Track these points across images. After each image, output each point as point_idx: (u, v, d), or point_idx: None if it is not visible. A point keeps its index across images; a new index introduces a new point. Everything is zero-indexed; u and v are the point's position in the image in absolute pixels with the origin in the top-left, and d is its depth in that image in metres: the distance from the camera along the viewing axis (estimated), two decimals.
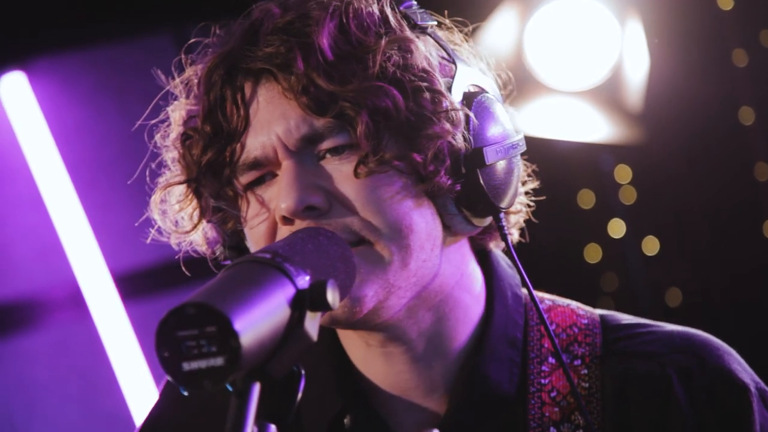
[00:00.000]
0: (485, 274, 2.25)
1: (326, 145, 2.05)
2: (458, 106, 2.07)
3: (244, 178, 2.11)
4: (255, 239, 2.12)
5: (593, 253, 5.83)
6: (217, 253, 2.25)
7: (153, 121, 2.25)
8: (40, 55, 5.30)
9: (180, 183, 2.18)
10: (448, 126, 2.04)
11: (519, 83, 5.29)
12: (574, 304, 2.31)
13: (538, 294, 2.27)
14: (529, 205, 2.28)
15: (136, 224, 2.27)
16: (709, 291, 5.75)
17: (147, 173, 2.31)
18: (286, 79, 2.04)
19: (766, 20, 5.55)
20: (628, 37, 5.18)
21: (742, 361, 2.22)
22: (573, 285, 5.85)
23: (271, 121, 2.06)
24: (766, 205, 5.64)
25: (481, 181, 2.06)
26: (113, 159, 5.35)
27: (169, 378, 1.70)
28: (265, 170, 2.10)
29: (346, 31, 2.05)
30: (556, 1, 5.16)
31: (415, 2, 2.16)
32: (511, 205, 2.16)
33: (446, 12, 2.24)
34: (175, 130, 2.18)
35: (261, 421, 1.71)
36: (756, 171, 5.64)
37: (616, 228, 5.74)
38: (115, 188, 5.37)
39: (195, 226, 2.20)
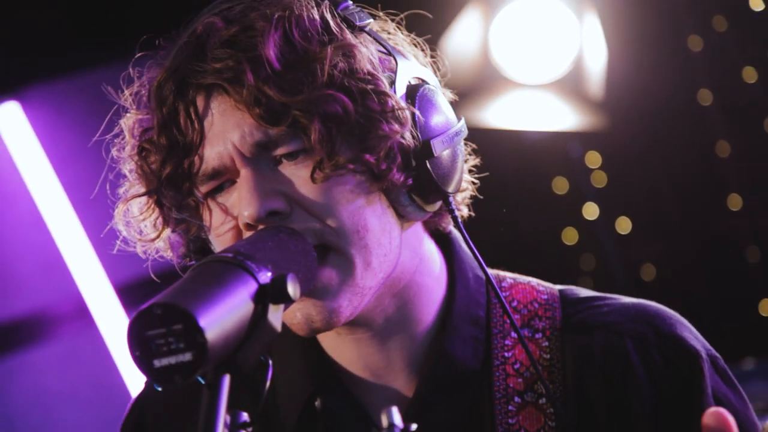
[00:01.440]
0: (446, 257, 2.26)
1: (281, 151, 2.04)
2: (404, 104, 2.06)
3: (204, 188, 2.08)
4: (222, 244, 2.09)
5: (570, 236, 5.87)
6: (183, 258, 2.23)
7: (108, 136, 2.23)
8: (31, 84, 5.30)
9: (141, 195, 2.15)
10: (396, 125, 2.03)
11: (487, 80, 5.44)
12: (535, 281, 2.31)
13: (501, 273, 2.29)
14: (473, 182, 2.26)
15: (102, 235, 2.26)
16: (681, 263, 5.79)
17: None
18: (237, 92, 2.01)
19: (718, 6, 5.59)
20: (586, 31, 5.23)
21: (693, 329, 2.23)
22: (553, 267, 5.90)
23: (226, 131, 2.03)
24: (729, 180, 5.69)
25: (431, 172, 2.06)
26: (107, 177, 5.36)
27: (142, 375, 1.71)
28: (223, 179, 2.07)
29: (290, 40, 2.03)
30: (517, 1, 5.18)
31: (351, 2, 2.14)
32: (458, 188, 2.16)
33: (379, 5, 2.23)
34: (130, 142, 2.15)
35: (233, 410, 1.72)
36: (717, 148, 5.69)
37: (590, 211, 5.79)
38: (111, 205, 5.38)
39: (159, 235, 2.19)
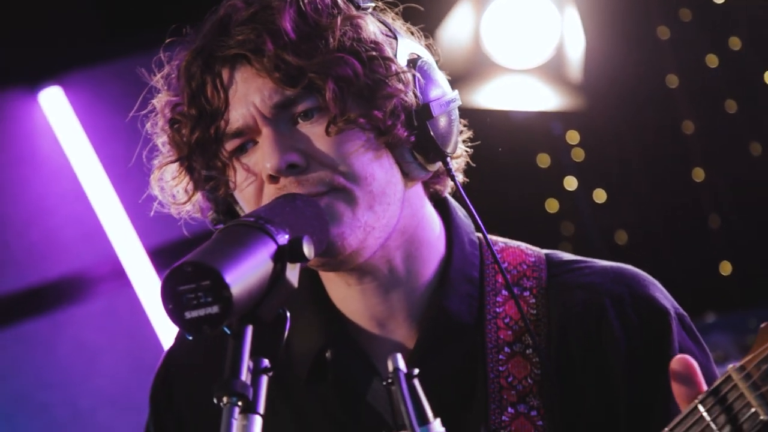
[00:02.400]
0: (444, 221, 2.25)
1: (298, 109, 2.04)
2: (405, 69, 2.08)
3: (230, 145, 2.09)
4: (246, 199, 2.11)
5: (552, 205, 5.86)
6: (211, 219, 2.22)
7: (143, 112, 2.22)
8: (71, 70, 5.29)
9: (173, 161, 2.15)
10: (399, 86, 2.05)
11: (478, 66, 5.43)
12: (523, 245, 2.30)
13: (493, 237, 2.28)
14: (466, 151, 2.25)
15: (140, 201, 2.25)
16: (650, 230, 5.79)
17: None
18: (258, 61, 2.02)
19: (684, 2, 5.58)
20: (567, 22, 5.22)
21: (663, 289, 2.22)
22: (537, 233, 5.86)
23: (248, 95, 2.05)
24: (694, 154, 5.68)
25: (431, 131, 2.07)
26: (140, 152, 5.36)
27: (175, 326, 1.73)
28: (246, 138, 2.08)
29: (304, 14, 2.04)
30: None
31: None
32: (455, 150, 2.16)
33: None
34: (162, 117, 2.15)
35: (255, 357, 1.71)
36: (683, 126, 5.68)
37: (570, 183, 5.78)
38: (144, 177, 5.38)
39: (189, 198, 2.17)
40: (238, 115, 2.06)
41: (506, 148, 5.65)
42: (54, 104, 5.26)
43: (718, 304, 5.37)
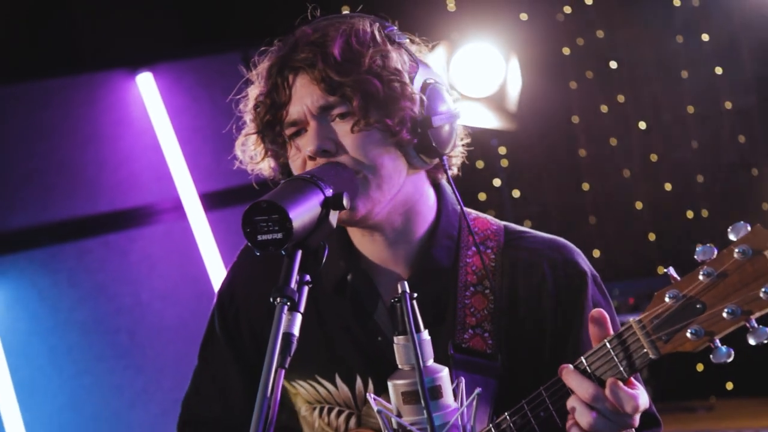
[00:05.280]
0: (438, 198, 2.24)
1: (335, 111, 2.02)
2: (416, 92, 2.04)
3: (288, 131, 2.08)
4: (295, 169, 2.10)
5: (482, 197, 5.84)
6: (275, 176, 2.20)
7: (238, 96, 2.19)
8: (161, 61, 5.26)
9: (253, 133, 2.14)
10: (408, 103, 2.02)
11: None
12: (490, 217, 2.29)
13: (468, 209, 2.27)
14: (464, 152, 2.23)
15: (229, 157, 2.21)
16: (547, 222, 5.80)
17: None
18: (311, 73, 2.02)
19: (589, 66, 5.59)
20: (510, 68, 5.21)
21: (584, 257, 2.22)
22: None
23: (303, 96, 2.04)
24: (584, 172, 5.70)
25: (430, 137, 2.05)
26: (204, 127, 5.35)
27: (249, 244, 1.71)
28: (299, 127, 2.06)
29: (349, 44, 2.03)
30: (467, 45, 5.16)
31: (395, 27, 2.12)
32: (450, 151, 2.14)
33: (420, 29, 2.20)
34: (251, 102, 2.14)
35: (301, 273, 1.70)
36: (579, 152, 5.69)
37: (496, 182, 5.77)
38: (204, 143, 5.36)
39: (262, 159, 2.16)
40: (294, 110, 2.05)
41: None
42: (146, 85, 5.21)
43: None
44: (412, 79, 2.05)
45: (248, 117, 2.15)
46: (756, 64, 5.21)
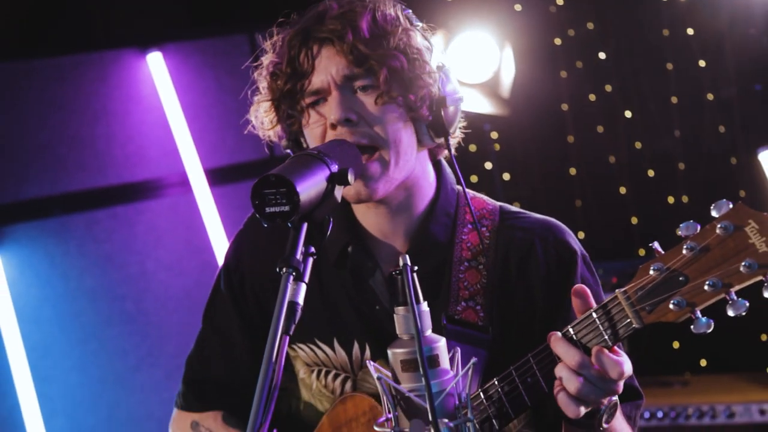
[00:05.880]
0: (437, 176, 2.24)
1: (359, 83, 2.02)
2: (435, 70, 2.06)
3: (308, 99, 2.07)
4: (313, 136, 2.09)
5: (474, 179, 5.82)
6: (283, 144, 2.20)
7: (254, 64, 2.18)
8: (169, 42, 5.22)
9: (268, 101, 2.13)
10: (430, 81, 2.03)
11: None
12: (486, 197, 2.29)
13: (466, 190, 2.25)
14: (461, 135, 2.23)
15: (240, 122, 2.20)
16: (535, 204, 5.78)
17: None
18: (340, 44, 2.01)
19: (579, 56, 5.57)
20: (504, 56, 5.19)
21: (575, 237, 2.23)
22: None
23: (329, 66, 2.03)
24: (572, 157, 5.69)
25: (443, 116, 2.05)
26: (210, 106, 5.33)
27: (257, 216, 1.70)
28: (321, 96, 2.06)
29: (376, 20, 2.03)
30: (464, 33, 5.11)
31: (410, 11, 2.13)
32: (454, 131, 2.14)
33: (425, 13, 2.20)
34: (266, 70, 2.12)
35: (306, 245, 1.70)
36: (567, 138, 5.68)
37: (488, 165, 5.74)
38: (210, 120, 5.33)
39: (273, 127, 2.16)
40: (318, 80, 2.04)
41: None
42: (156, 64, 5.16)
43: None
44: (429, 59, 2.06)
45: (263, 84, 2.14)
46: (737, 59, 5.20)
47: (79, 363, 4.88)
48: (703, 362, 5.23)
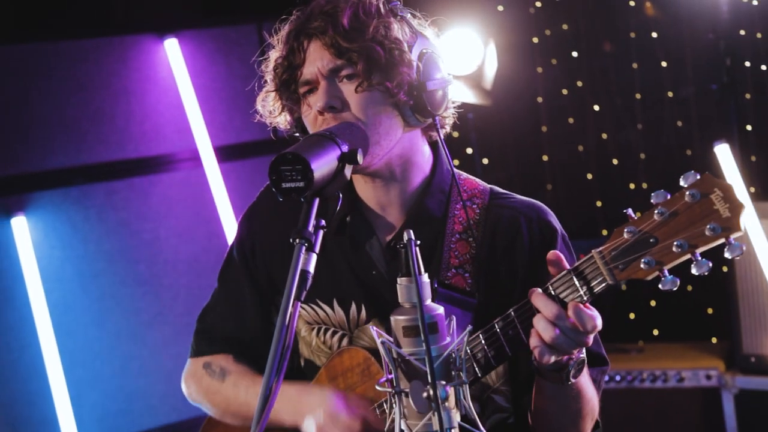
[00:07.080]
0: (433, 155, 2.23)
1: (342, 73, 2.02)
2: (414, 59, 2.03)
3: (302, 90, 2.07)
4: (309, 123, 2.09)
5: (456, 163, 5.79)
6: (289, 129, 2.20)
7: (261, 58, 2.20)
8: (185, 29, 5.17)
9: (272, 91, 2.13)
10: (406, 69, 2.01)
11: None
12: (477, 179, 2.29)
13: (459, 171, 2.28)
14: (455, 114, 2.21)
15: (251, 111, 2.20)
16: (512, 186, 5.78)
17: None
18: (323, 39, 2.01)
19: (554, 54, 5.55)
20: (488, 51, 5.17)
21: (556, 218, 2.25)
22: None
23: (315, 59, 2.03)
24: (544, 146, 5.69)
25: (424, 99, 2.02)
26: (220, 89, 5.29)
27: (273, 190, 1.69)
28: (312, 86, 2.06)
29: (357, 15, 2.02)
30: (452, 29, 5.09)
31: (399, 2, 2.09)
32: (442, 113, 2.12)
33: (417, 9, 2.16)
34: (272, 63, 2.13)
35: (317, 218, 1.69)
36: (541, 128, 5.68)
37: (468, 150, 5.74)
38: (220, 102, 5.30)
39: (279, 114, 2.16)
40: (308, 71, 2.04)
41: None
42: (172, 49, 5.12)
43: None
44: (410, 48, 2.04)
45: (268, 76, 2.14)
46: (695, 61, 5.22)
47: (96, 319, 4.88)
48: (656, 332, 5.30)
